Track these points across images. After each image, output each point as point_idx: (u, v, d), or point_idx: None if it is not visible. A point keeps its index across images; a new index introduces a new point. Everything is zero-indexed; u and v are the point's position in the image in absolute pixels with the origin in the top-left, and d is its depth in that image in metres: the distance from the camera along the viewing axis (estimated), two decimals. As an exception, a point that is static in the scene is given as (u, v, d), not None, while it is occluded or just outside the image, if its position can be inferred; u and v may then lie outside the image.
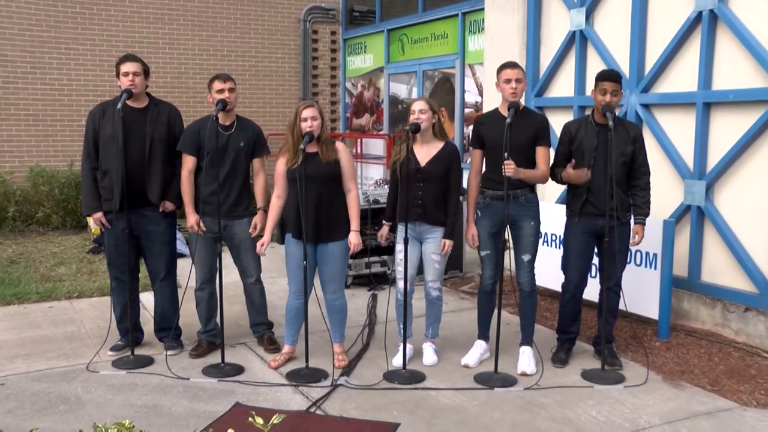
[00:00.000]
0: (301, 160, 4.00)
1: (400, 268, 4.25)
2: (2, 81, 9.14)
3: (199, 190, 4.35)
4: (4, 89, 9.16)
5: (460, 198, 6.60)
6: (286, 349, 4.40)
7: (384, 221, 4.41)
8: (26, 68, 9.25)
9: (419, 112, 4.15)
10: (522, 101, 4.28)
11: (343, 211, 4.21)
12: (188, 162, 4.37)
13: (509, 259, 4.42)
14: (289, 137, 4.13)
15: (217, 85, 4.32)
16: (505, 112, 4.11)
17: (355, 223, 4.21)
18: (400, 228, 4.22)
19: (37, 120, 9.39)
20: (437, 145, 4.23)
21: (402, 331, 4.36)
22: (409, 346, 4.31)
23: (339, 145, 4.24)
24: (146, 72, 4.38)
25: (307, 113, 4.07)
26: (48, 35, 9.32)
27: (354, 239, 4.20)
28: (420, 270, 4.41)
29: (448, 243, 4.21)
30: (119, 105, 4.17)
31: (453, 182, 4.23)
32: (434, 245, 4.24)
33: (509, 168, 3.97)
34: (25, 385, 4.02)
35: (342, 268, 4.29)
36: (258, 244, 4.23)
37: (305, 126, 4.06)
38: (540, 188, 5.97)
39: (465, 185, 4.59)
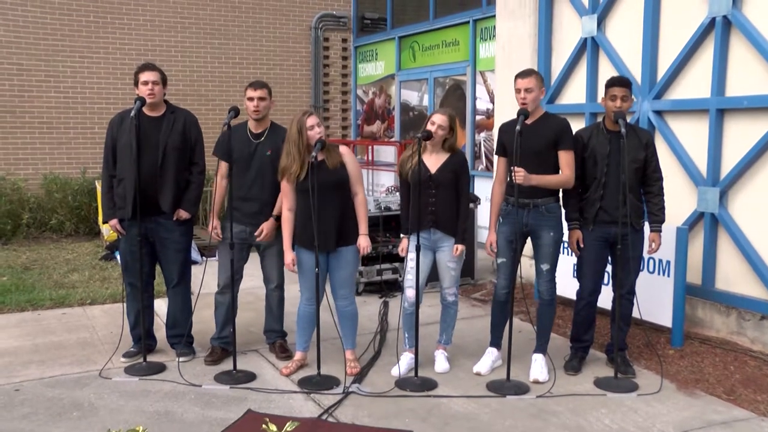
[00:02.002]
0: (310, 170, 3.99)
1: (410, 276, 4.24)
2: (17, 89, 9.24)
3: (231, 197, 4.41)
4: (20, 97, 9.26)
5: (471, 205, 6.63)
6: (297, 355, 4.40)
7: (402, 234, 4.36)
8: (41, 77, 9.35)
9: (438, 127, 4.15)
10: (541, 107, 4.27)
11: (353, 215, 4.22)
12: (221, 167, 4.45)
13: (520, 267, 4.41)
14: (293, 149, 4.08)
15: (249, 92, 4.40)
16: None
17: (363, 227, 4.21)
18: (411, 236, 4.22)
19: (51, 128, 9.49)
20: (446, 155, 4.24)
21: (407, 339, 4.36)
22: (411, 356, 4.30)
23: (343, 149, 4.23)
24: (164, 81, 4.41)
25: (312, 121, 4.09)
26: (62, 44, 9.43)
27: (363, 242, 4.20)
28: (431, 278, 4.40)
29: (461, 247, 4.22)
30: (133, 113, 4.20)
31: (462, 189, 4.24)
32: (449, 253, 4.24)
33: (518, 175, 3.96)
34: (39, 390, 4.05)
35: (353, 273, 4.30)
36: (287, 266, 4.23)
37: (312, 134, 4.06)
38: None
39: (489, 192, 4.57)
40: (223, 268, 4.46)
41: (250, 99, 4.38)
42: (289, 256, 4.20)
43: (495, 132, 7.17)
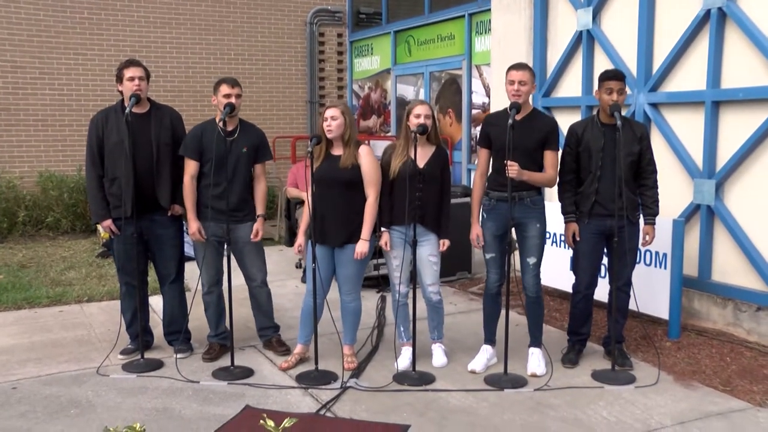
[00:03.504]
0: (312, 162, 4.02)
1: (397, 274, 4.25)
2: (12, 87, 9.20)
3: (201, 195, 4.35)
4: (14, 95, 9.22)
5: (467, 198, 6.61)
6: (298, 349, 4.40)
7: (383, 228, 4.30)
8: (35, 74, 9.31)
9: (424, 116, 4.14)
10: (530, 103, 4.26)
11: (360, 216, 4.17)
12: (191, 167, 4.32)
13: (514, 260, 4.41)
14: (323, 138, 4.16)
15: (225, 89, 4.27)
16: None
17: (365, 231, 4.15)
18: (394, 232, 4.21)
19: (46, 125, 9.45)
20: (431, 149, 4.25)
21: (403, 332, 4.37)
22: (410, 349, 4.30)
23: (363, 149, 4.16)
24: (148, 76, 4.38)
25: (328, 113, 4.09)
26: (56, 41, 9.38)
27: (359, 247, 4.15)
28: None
29: (448, 242, 4.24)
30: (128, 110, 4.16)
31: (446, 184, 4.28)
32: (430, 247, 4.24)
33: (512, 169, 3.95)
34: (37, 388, 4.04)
35: (357, 271, 4.27)
36: (294, 248, 4.32)
37: (325, 125, 4.08)
38: (547, 189, 5.96)
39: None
40: (205, 269, 4.43)
41: (227, 96, 4.25)
42: (299, 240, 4.29)
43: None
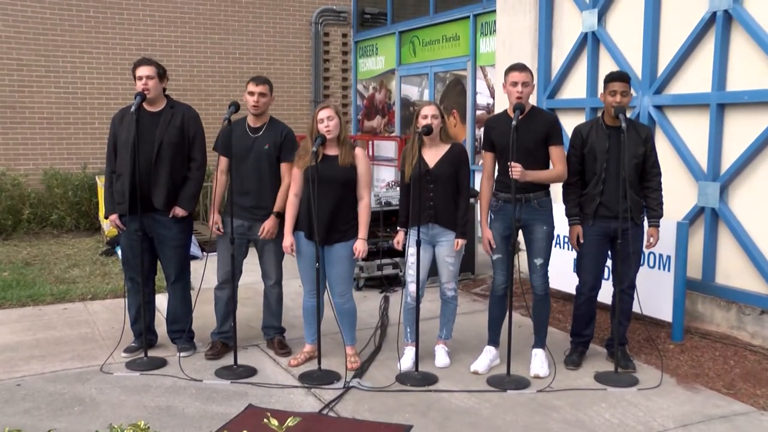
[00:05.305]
0: (314, 162, 4.01)
1: (411, 272, 4.25)
2: (17, 85, 9.23)
3: (231, 192, 4.43)
4: (20, 93, 9.26)
5: (471, 200, 6.62)
6: (307, 348, 4.42)
7: (398, 227, 4.40)
8: (41, 72, 9.34)
9: (432, 117, 4.15)
10: (534, 102, 4.26)
11: (353, 215, 4.21)
12: (221, 162, 4.45)
13: (518, 262, 4.41)
14: (309, 139, 4.17)
15: (250, 86, 4.39)
16: (513, 114, 4.10)
17: (362, 231, 4.21)
18: (412, 231, 4.22)
19: (51, 123, 9.48)
20: (444, 147, 4.25)
21: (409, 334, 4.37)
22: (413, 349, 4.30)
23: (358, 151, 4.23)
24: (161, 75, 4.39)
25: (323, 114, 4.11)
26: (62, 39, 9.41)
27: (360, 246, 4.19)
28: (431, 273, 4.42)
29: (461, 241, 4.22)
30: (133, 109, 4.19)
31: (462, 182, 4.25)
32: (448, 248, 4.24)
33: (516, 171, 3.95)
34: (41, 385, 4.06)
35: (348, 270, 4.29)
36: (284, 247, 4.28)
37: (322, 127, 4.09)
38: (551, 190, 5.95)
39: (477, 187, 4.58)
40: (222, 264, 4.46)
41: (251, 94, 4.37)
42: (287, 239, 4.25)
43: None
